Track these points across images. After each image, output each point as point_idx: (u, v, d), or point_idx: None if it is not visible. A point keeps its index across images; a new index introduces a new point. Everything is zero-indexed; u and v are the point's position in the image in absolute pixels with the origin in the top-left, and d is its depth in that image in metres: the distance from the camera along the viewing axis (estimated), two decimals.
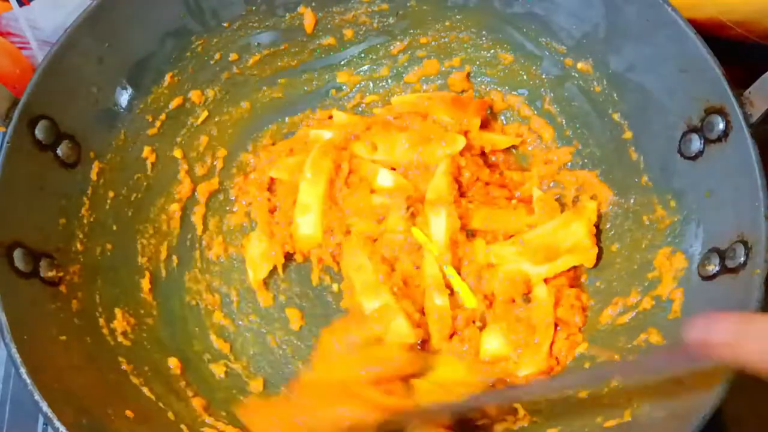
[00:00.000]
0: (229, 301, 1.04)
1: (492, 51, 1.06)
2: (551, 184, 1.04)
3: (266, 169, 1.07)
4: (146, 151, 1.00)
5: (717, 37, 1.00)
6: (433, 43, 1.08)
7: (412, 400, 0.86)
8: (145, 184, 1.00)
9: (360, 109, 1.12)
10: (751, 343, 0.56)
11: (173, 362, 0.94)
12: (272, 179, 1.07)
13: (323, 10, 1.05)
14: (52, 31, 1.09)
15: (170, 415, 0.87)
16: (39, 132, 0.86)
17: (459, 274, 0.95)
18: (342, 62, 1.11)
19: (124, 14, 0.93)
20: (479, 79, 1.08)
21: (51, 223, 0.89)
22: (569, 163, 1.03)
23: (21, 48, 1.10)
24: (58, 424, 0.74)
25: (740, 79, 0.81)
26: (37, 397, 0.74)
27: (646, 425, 0.77)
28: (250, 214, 1.07)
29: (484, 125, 1.06)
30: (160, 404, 0.87)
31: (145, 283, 0.98)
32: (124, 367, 0.88)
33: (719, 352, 0.58)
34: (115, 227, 0.96)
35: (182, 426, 0.86)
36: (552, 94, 1.04)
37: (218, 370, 0.97)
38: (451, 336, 0.94)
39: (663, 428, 0.74)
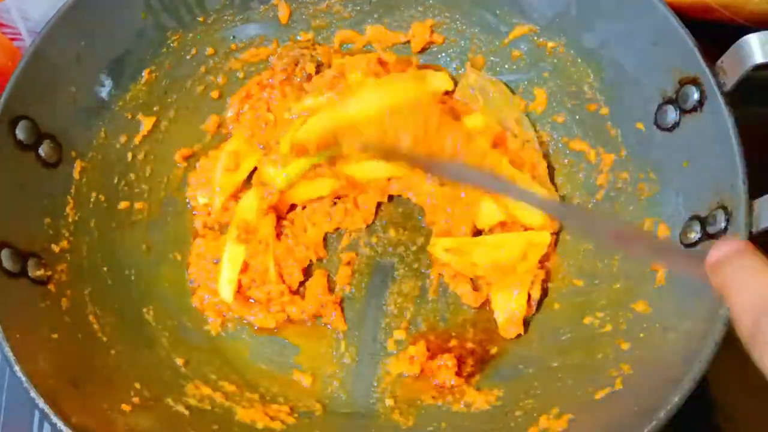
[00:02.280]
0: None
1: (466, 34, 1.07)
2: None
3: None
4: (127, 148, 1.00)
5: (704, 20, 1.01)
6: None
7: None
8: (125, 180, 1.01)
9: None
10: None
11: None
12: None
13: (297, 0, 1.06)
14: (41, 21, 1.08)
15: (169, 401, 0.87)
16: (20, 132, 0.86)
17: None
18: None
19: (98, 12, 0.93)
20: (455, 63, 1.09)
21: (36, 223, 0.89)
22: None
23: (13, 39, 1.09)
24: (55, 419, 0.74)
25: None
26: (33, 394, 0.74)
27: (638, 391, 0.78)
28: None
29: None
30: (157, 396, 0.87)
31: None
32: (116, 362, 0.88)
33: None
34: (99, 225, 0.97)
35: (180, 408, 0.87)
36: (528, 74, 1.05)
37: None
38: None
39: (655, 393, 0.75)
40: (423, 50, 1.09)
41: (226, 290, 0.98)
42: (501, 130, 1.02)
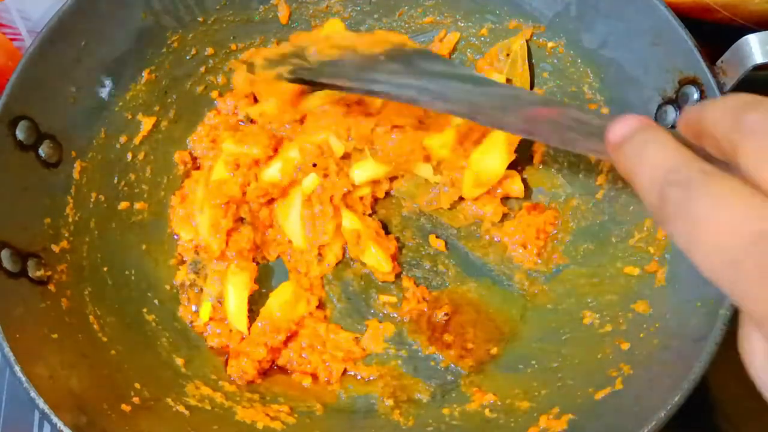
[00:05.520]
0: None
1: (466, 34, 1.07)
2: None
3: None
4: (127, 148, 1.01)
5: (704, 20, 1.01)
6: (408, 30, 1.09)
7: None
8: (125, 180, 1.01)
9: None
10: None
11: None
12: None
13: (297, 1, 1.06)
14: (41, 21, 1.09)
15: (169, 401, 0.87)
16: (20, 132, 0.86)
17: None
18: None
19: (98, 12, 0.93)
20: (457, 62, 1.09)
21: (36, 223, 0.89)
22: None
23: (13, 39, 1.09)
24: (55, 420, 0.74)
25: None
26: (33, 394, 0.74)
27: (638, 391, 0.78)
28: None
29: None
30: (157, 396, 0.87)
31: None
32: (116, 362, 0.88)
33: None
34: (99, 225, 0.97)
35: (180, 407, 0.87)
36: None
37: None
38: None
39: (655, 393, 0.75)
40: None
41: (240, 321, 0.98)
42: None
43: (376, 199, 1.05)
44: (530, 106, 0.71)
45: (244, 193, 1.00)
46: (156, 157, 1.04)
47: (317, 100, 1.00)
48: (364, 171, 1.00)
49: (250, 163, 1.00)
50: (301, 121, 1.02)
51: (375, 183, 1.03)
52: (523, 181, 1.02)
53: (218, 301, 0.99)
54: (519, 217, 1.01)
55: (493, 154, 0.97)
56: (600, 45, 0.95)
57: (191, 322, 0.99)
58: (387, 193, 1.05)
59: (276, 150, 1.02)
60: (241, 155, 1.00)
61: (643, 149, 0.49)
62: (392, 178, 1.04)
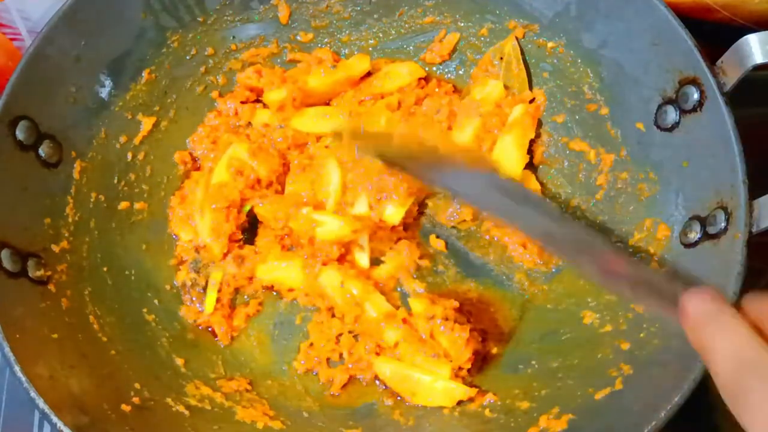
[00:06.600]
0: None
1: (466, 34, 1.07)
2: None
3: None
4: (127, 148, 1.00)
5: (704, 20, 1.01)
6: (408, 30, 1.09)
7: None
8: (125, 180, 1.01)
9: None
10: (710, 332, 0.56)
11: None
12: None
13: (297, 1, 1.06)
14: (41, 21, 1.09)
15: (169, 401, 0.87)
16: (20, 132, 0.87)
17: None
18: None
19: (98, 12, 0.93)
20: (455, 63, 1.09)
21: (36, 223, 0.89)
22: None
23: (13, 39, 1.09)
24: (55, 420, 0.74)
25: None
26: (33, 394, 0.74)
27: (638, 391, 0.78)
28: None
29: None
30: (157, 396, 0.87)
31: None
32: (116, 362, 0.88)
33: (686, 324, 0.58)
34: (99, 225, 0.97)
35: (180, 407, 0.87)
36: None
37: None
38: None
39: (655, 393, 0.75)
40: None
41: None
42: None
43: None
44: (602, 253, 0.74)
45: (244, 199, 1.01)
46: (156, 157, 1.04)
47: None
48: (396, 209, 0.99)
49: (252, 181, 1.01)
50: None
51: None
52: None
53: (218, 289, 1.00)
54: None
55: (508, 158, 0.98)
56: (600, 45, 0.95)
57: (196, 320, 0.99)
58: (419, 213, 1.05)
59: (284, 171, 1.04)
60: (247, 167, 1.01)
61: (718, 332, 0.53)
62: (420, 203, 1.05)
